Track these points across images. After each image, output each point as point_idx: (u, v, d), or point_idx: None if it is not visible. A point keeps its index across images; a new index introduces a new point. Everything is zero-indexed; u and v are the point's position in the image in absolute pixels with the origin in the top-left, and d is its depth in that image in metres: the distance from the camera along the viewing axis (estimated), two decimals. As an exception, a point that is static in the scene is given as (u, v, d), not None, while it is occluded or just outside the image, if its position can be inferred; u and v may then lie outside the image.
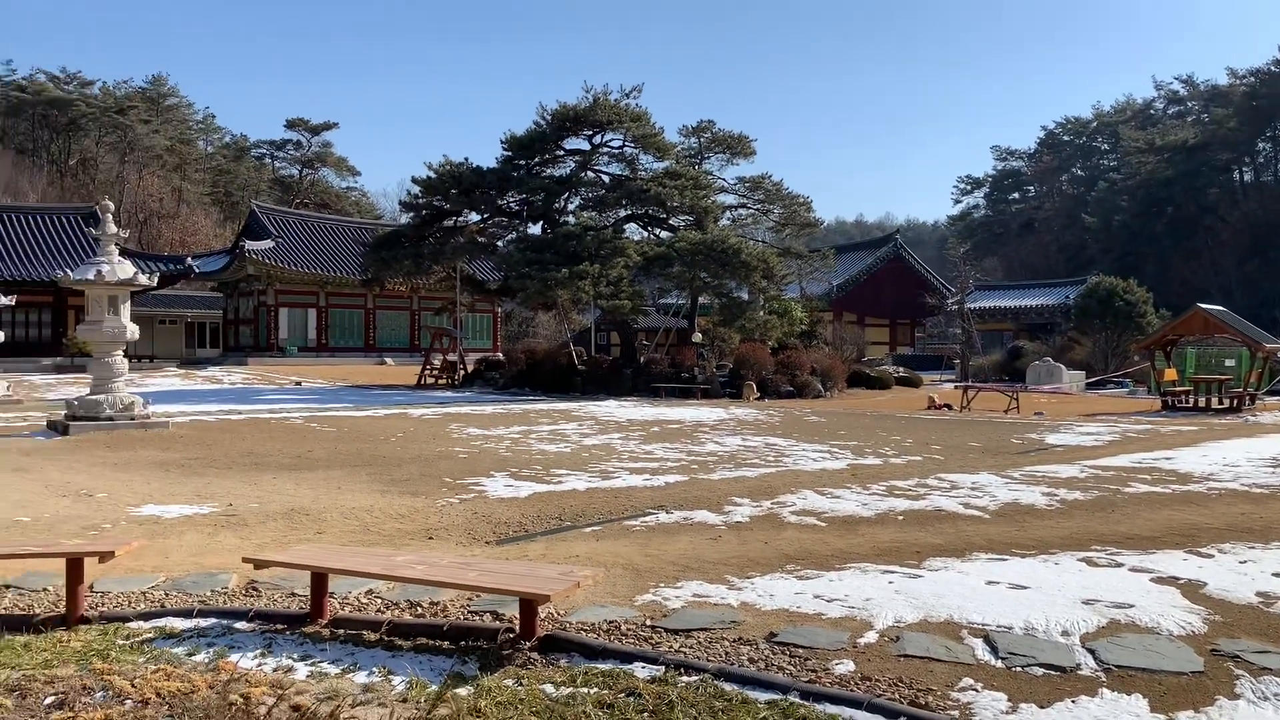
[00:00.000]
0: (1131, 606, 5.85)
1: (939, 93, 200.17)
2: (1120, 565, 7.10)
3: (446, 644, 5.11)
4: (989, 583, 6.49)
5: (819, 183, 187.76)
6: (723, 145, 37.81)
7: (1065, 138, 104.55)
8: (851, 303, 59.64)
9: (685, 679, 4.55)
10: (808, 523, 9.00)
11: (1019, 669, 4.75)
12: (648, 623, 5.55)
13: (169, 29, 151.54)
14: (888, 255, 63.15)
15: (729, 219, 38.22)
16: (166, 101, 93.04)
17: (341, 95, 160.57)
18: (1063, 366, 38.27)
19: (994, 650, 5.01)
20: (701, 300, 35.10)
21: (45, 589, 6.25)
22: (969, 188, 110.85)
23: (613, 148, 34.36)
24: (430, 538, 8.29)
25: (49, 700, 4.16)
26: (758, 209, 39.02)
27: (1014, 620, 5.51)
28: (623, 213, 34.44)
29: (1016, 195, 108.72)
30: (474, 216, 35.35)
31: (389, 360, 51.35)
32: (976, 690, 4.48)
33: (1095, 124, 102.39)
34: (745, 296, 33.78)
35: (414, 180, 34.73)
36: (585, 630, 5.34)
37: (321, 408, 22.98)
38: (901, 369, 43.63)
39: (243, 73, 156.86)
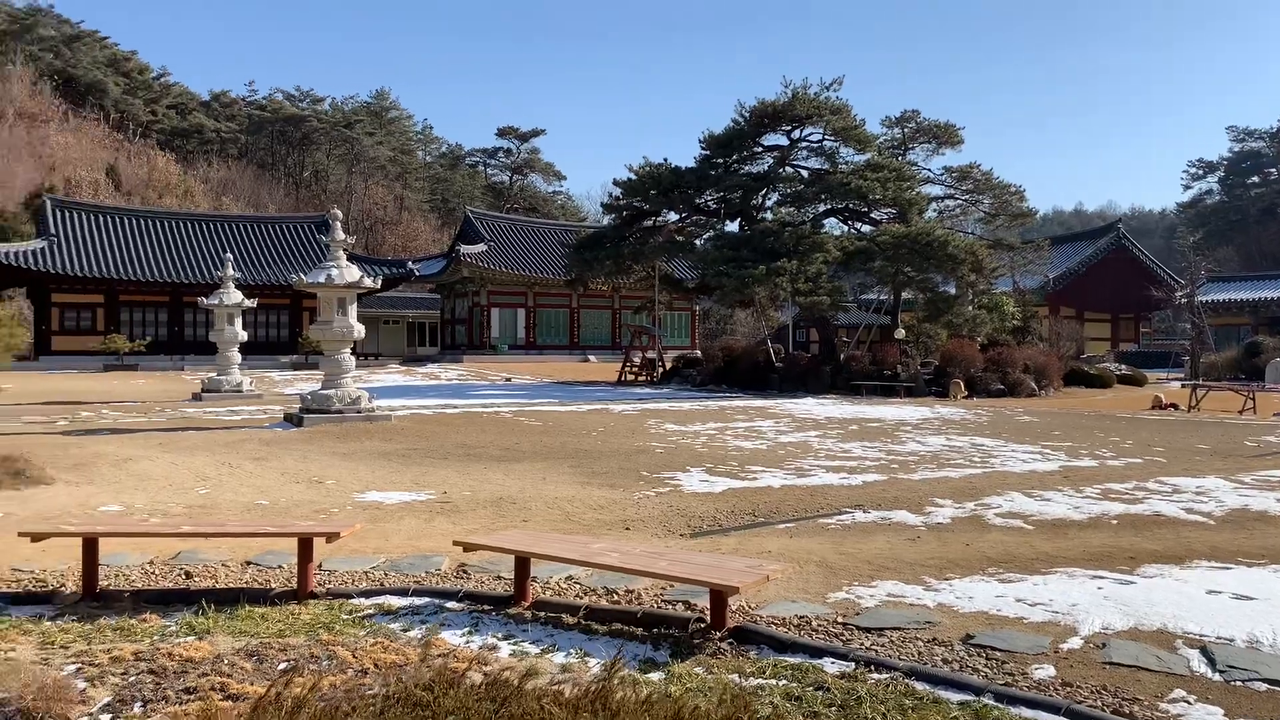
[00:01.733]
0: (1379, 625, 5.34)
1: (1166, 71, 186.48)
2: (1368, 580, 6.48)
3: (640, 630, 5.27)
4: (1210, 592, 6.08)
5: (1033, 171, 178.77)
6: (927, 135, 36.71)
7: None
8: (1069, 296, 56.45)
9: (875, 676, 4.51)
10: (1013, 525, 8.67)
11: (1239, 683, 4.44)
12: (839, 620, 5.53)
13: (391, 46, 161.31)
14: (1109, 246, 59.40)
15: (934, 211, 37.08)
16: (389, 115, 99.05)
17: (548, 102, 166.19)
18: (1311, 364, 34.93)
19: (1211, 662, 4.70)
20: (905, 295, 34.20)
21: (280, 566, 6.85)
22: (1201, 172, 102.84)
23: (812, 142, 34.02)
24: (627, 528, 8.53)
25: (282, 665, 4.58)
26: (965, 200, 37.68)
27: (1235, 632, 5.15)
28: (822, 208, 34.01)
29: (1256, 179, 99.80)
30: (672, 216, 35.83)
31: (591, 357, 52.80)
32: (1188, 703, 4.22)
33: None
34: (952, 291, 32.66)
35: (615, 182, 35.61)
36: (775, 624, 5.38)
37: (529, 403, 23.91)
38: (1124, 366, 40.99)
39: (458, 84, 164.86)
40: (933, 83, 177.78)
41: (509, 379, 36.16)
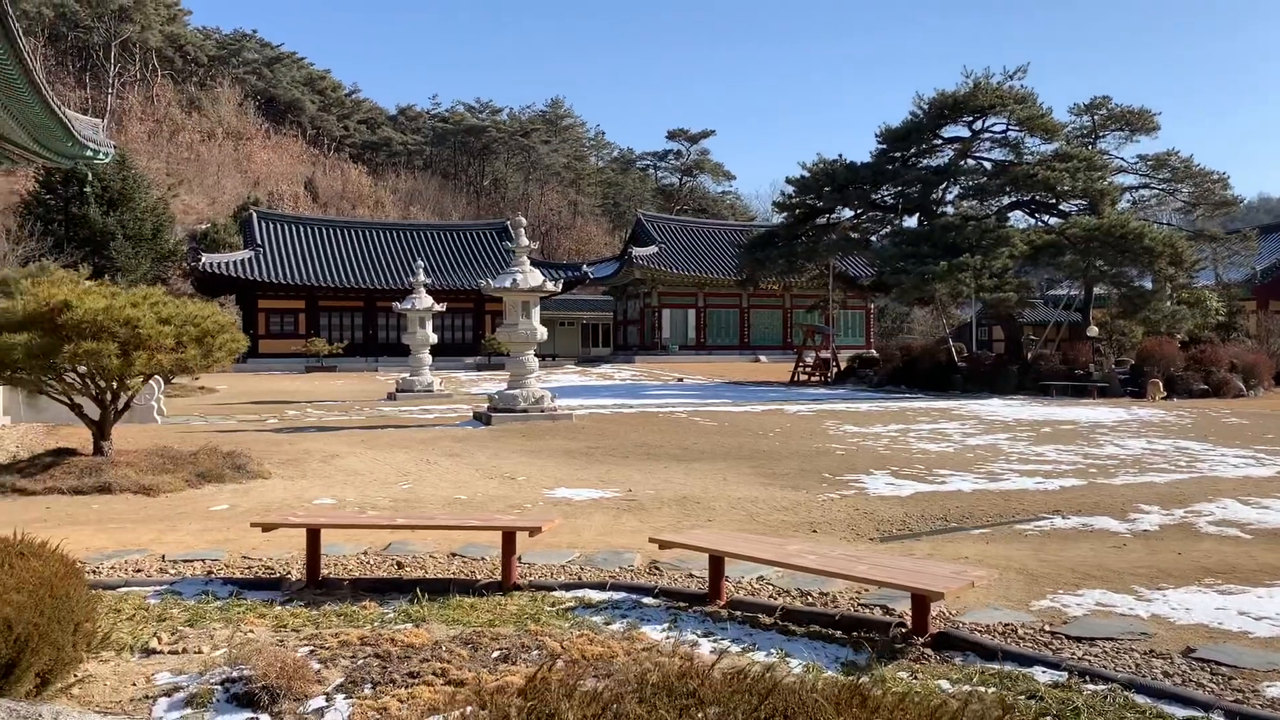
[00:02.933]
0: None
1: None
2: None
3: (838, 633, 5.25)
4: None
5: (1235, 156, 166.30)
6: (1119, 122, 34.74)
7: None
8: (1280, 289, 52.27)
9: (1090, 687, 4.35)
10: (1229, 534, 8.14)
11: None
12: (1046, 628, 5.35)
13: (566, 56, 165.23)
14: (1327, 233, 54.62)
15: (1128, 201, 35.09)
16: (563, 123, 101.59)
17: (717, 103, 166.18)
18: None
19: None
20: (1097, 291, 32.47)
21: (483, 558, 7.16)
22: None
23: (995, 133, 32.80)
24: (814, 531, 8.48)
25: (495, 654, 4.80)
26: (1162, 189, 35.49)
27: None
28: (1006, 200, 32.73)
29: None
30: (847, 213, 35.26)
31: (762, 357, 52.56)
32: None
33: None
34: (1148, 286, 30.79)
35: (788, 180, 35.35)
36: (979, 630, 5.25)
37: (702, 403, 24.04)
38: (1347, 364, 37.58)
39: (629, 90, 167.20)
40: (1121, 66, 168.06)
41: (681, 379, 36.44)
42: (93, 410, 11.53)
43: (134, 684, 4.57)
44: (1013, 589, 6.28)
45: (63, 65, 74.25)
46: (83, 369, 10.82)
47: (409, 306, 27.17)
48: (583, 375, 39.51)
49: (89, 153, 25.51)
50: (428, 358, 27.49)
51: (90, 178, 40.34)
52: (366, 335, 50.45)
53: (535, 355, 19.19)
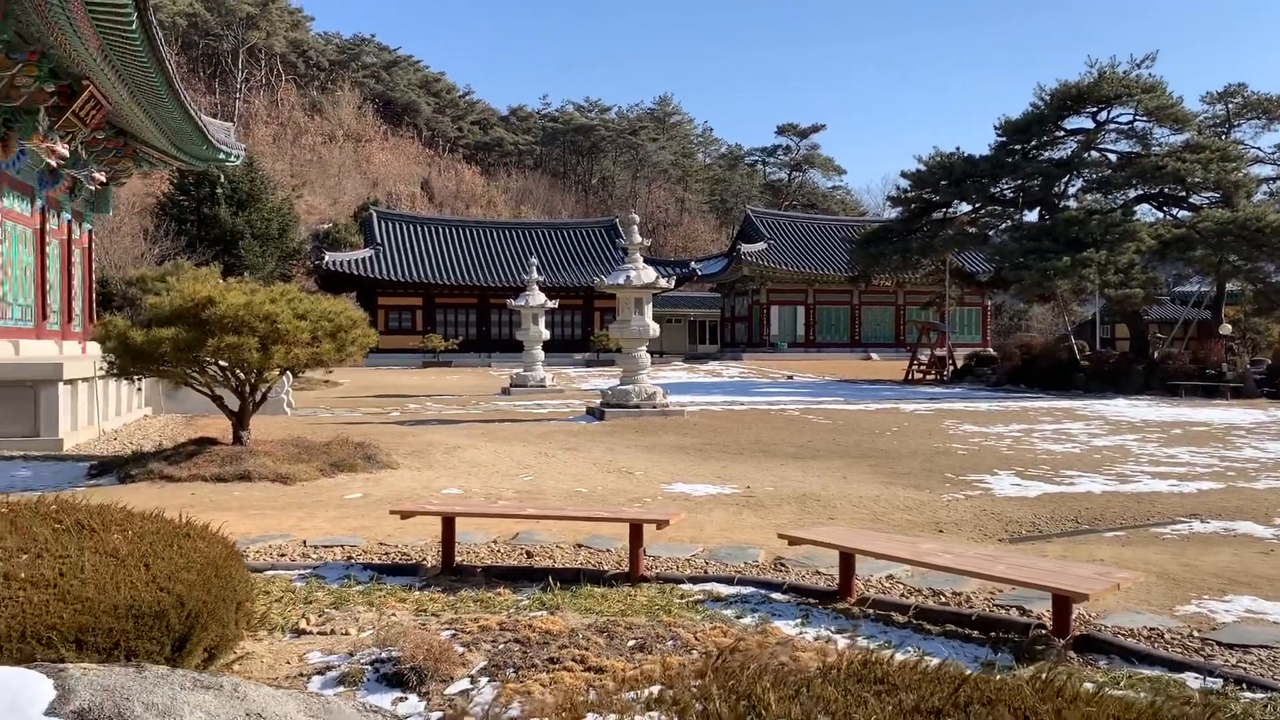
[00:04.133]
0: None
1: None
2: None
3: (975, 633, 5.18)
4: None
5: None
6: (1256, 110, 33.14)
7: None
8: None
9: (1249, 695, 4.19)
10: (1389, 543, 7.71)
11: None
12: (1194, 634, 5.17)
13: (674, 53, 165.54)
14: None
15: (1265, 193, 33.41)
16: (671, 120, 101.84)
17: (827, 97, 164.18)
18: None
19: None
20: (1230, 287, 31.03)
21: (608, 550, 7.27)
22: None
23: (1120, 124, 31.61)
24: (940, 530, 8.35)
25: (630, 643, 4.88)
26: (1304, 180, 33.68)
27: None
28: (1132, 193, 31.53)
29: None
30: (964, 207, 34.47)
31: (874, 355, 51.77)
32: None
33: None
34: (1287, 282, 29.29)
35: (903, 174, 34.78)
36: (1122, 634, 5.11)
37: (814, 401, 23.83)
38: None
39: (737, 86, 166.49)
40: (1259, 52, 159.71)
41: (791, 376, 36.17)
42: (232, 401, 12.08)
43: (288, 662, 4.79)
44: (1154, 593, 6.08)
45: (194, 72, 77.76)
46: (224, 362, 11.35)
47: (523, 303, 27.65)
48: (691, 372, 39.57)
49: (221, 155, 26.69)
50: (540, 353, 27.93)
51: (221, 179, 42.16)
52: (480, 331, 51.50)
53: (647, 352, 19.31)
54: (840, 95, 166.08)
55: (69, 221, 24.77)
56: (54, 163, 20.84)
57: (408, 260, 50.85)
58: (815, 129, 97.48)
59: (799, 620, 5.39)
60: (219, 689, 3.25)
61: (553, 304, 28.55)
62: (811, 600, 5.83)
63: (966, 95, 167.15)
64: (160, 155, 26.21)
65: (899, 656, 4.72)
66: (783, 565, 6.86)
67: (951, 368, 35.25)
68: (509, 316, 44.35)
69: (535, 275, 28.59)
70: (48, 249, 23.03)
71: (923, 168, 33.26)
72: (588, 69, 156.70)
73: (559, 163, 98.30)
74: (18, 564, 3.95)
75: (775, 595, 5.96)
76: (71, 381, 14.04)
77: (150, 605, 3.88)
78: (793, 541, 6.19)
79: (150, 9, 15.64)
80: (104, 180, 25.47)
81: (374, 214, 54.47)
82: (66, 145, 20.51)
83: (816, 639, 5.03)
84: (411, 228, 54.29)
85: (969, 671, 2.41)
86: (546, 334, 28.27)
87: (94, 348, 15.14)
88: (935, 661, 2.75)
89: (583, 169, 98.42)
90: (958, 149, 33.26)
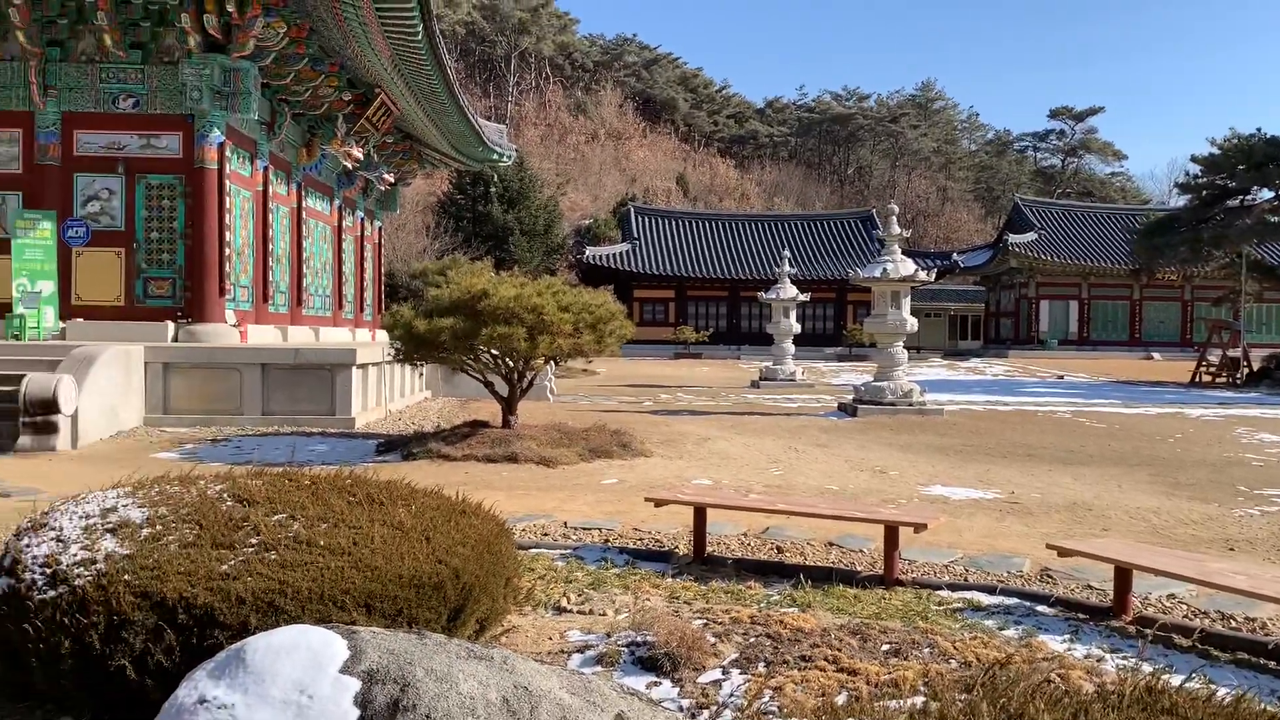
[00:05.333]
0: None
1: None
2: None
3: (1272, 664, 4.69)
4: None
5: None
6: None
7: None
8: None
9: None
10: None
11: None
12: None
13: (937, 36, 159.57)
14: None
15: None
16: (934, 105, 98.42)
17: (1105, 77, 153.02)
18: None
19: None
20: None
21: (860, 550, 7.14)
22: None
23: None
24: (1230, 549, 7.61)
25: (885, 647, 4.77)
26: None
27: None
28: None
29: None
30: (1265, 194, 31.14)
31: (1155, 355, 47.83)
32: None
33: None
34: None
35: (1193, 158, 31.93)
36: None
37: (1086, 403, 22.32)
38: None
39: (1006, 69, 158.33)
40: None
41: (1061, 376, 34.05)
42: (502, 387, 12.83)
43: (549, 638, 5.03)
44: None
45: (471, 77, 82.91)
46: (495, 350, 12.06)
47: (774, 296, 27.58)
48: (950, 369, 38.09)
49: (495, 156, 28.42)
50: (790, 347, 27.77)
51: (494, 179, 44.81)
52: (730, 324, 51.92)
53: (903, 347, 18.76)
54: (1120, 74, 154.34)
55: (362, 219, 27.17)
56: (350, 165, 23.01)
57: (662, 253, 52.01)
58: (1092, 111, 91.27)
59: (1067, 636, 5.08)
60: (489, 660, 3.47)
61: (804, 297, 28.27)
62: (1081, 616, 5.47)
63: (1268, 70, 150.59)
64: (441, 157, 28.24)
65: (1186, 684, 4.35)
66: (1050, 577, 6.48)
67: (1246, 370, 31.94)
68: (759, 309, 44.38)
69: (787, 268, 28.44)
70: (344, 244, 25.37)
71: (1216, 151, 30.36)
72: (846, 57, 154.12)
73: (814, 153, 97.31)
74: (317, 532, 4.37)
75: (1041, 608, 5.64)
76: (363, 366, 15.38)
77: (430, 576, 4.18)
78: (1061, 553, 5.83)
79: (433, 19, 16.87)
80: (392, 181, 27.79)
81: (631, 209, 56.07)
82: (361, 149, 22.56)
83: (1086, 657, 4.72)
84: (666, 222, 55.46)
85: (1268, 708, 2.18)
86: (797, 327, 28.05)
87: (382, 335, 16.54)
88: (1225, 693, 2.51)
89: (839, 159, 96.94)
90: (1259, 130, 30.11)
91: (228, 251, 16.82)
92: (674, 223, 55.49)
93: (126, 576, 3.72)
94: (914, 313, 18.80)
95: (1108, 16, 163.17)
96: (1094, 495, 9.99)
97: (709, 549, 6.93)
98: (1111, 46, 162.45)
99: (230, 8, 15.18)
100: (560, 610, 5.51)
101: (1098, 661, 4.67)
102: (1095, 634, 5.16)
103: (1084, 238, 52.46)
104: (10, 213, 16.04)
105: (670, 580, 6.24)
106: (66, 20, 16.08)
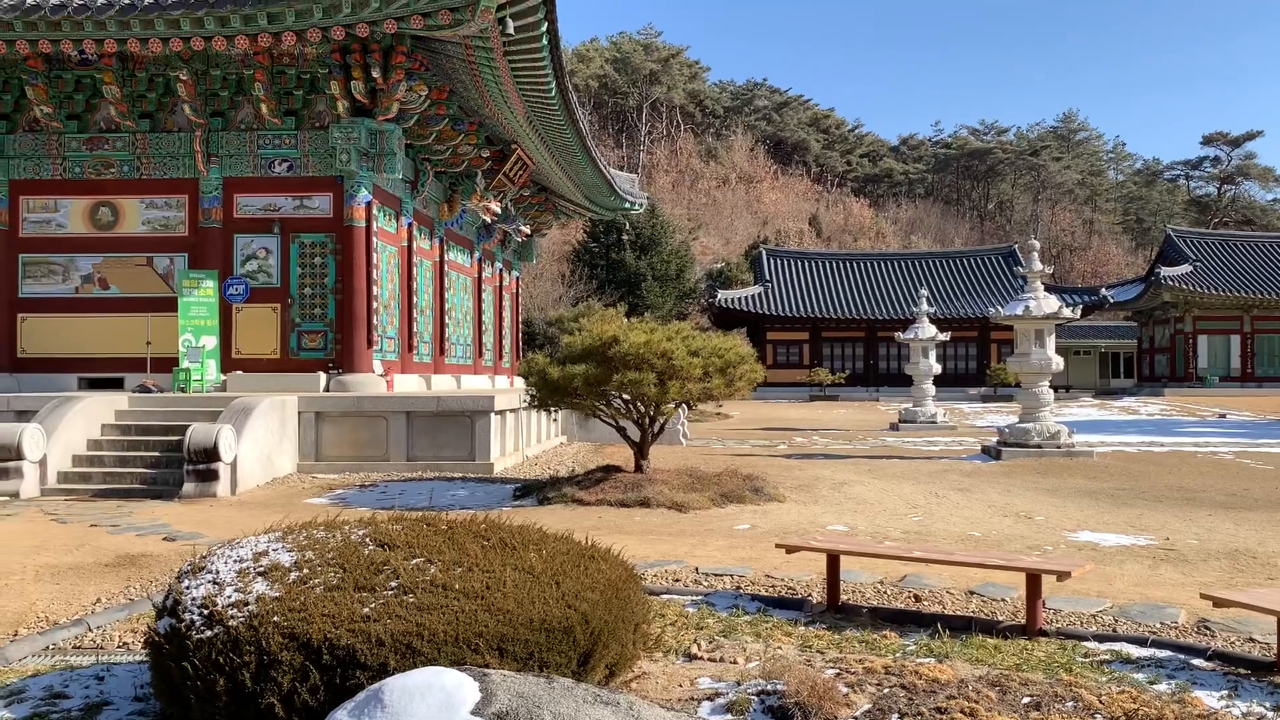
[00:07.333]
0: None
1: None
2: None
3: None
4: None
5: None
6: None
7: None
8: None
9: None
10: None
11: None
12: None
13: (1078, 64, 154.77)
14: None
15: None
16: (1076, 136, 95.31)
17: (1262, 99, 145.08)
18: None
19: None
20: None
21: (1003, 599, 6.89)
22: None
23: None
24: None
25: (1025, 700, 4.60)
26: None
27: None
28: None
29: None
30: None
31: (1332, 391, 44.63)
32: None
33: None
34: None
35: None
36: None
37: (1251, 443, 20.98)
38: None
39: (1152, 93, 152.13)
40: None
41: (1223, 415, 32.13)
42: (633, 432, 12.97)
43: (680, 685, 5.04)
44: None
45: (604, 128, 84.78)
46: (626, 396, 12.22)
47: (912, 336, 27.04)
48: (1102, 409, 36.43)
49: (626, 204, 28.97)
50: (930, 388, 27.11)
51: (626, 226, 45.59)
52: (867, 365, 51.04)
53: (1049, 387, 18.09)
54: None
55: (500, 270, 28.04)
56: (488, 219, 23.85)
57: (795, 295, 51.68)
58: (1250, 136, 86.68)
59: (1225, 692, 4.79)
60: (616, 705, 3.52)
61: (944, 336, 27.62)
62: (1242, 670, 5.15)
63: None
64: (575, 207, 28.97)
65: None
66: (1207, 629, 6.12)
67: None
68: (897, 349, 43.59)
69: (925, 306, 27.86)
70: (483, 295, 26.23)
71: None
72: (983, 91, 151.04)
73: (951, 189, 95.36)
74: (452, 575, 4.52)
75: (1196, 662, 5.33)
76: (501, 412, 15.80)
77: (560, 621, 4.27)
78: (1217, 603, 5.51)
79: (566, 75, 17.42)
80: (529, 232, 28.64)
81: (763, 252, 56.03)
82: (499, 203, 23.36)
83: (1246, 715, 4.44)
84: (799, 263, 55.16)
85: None
86: (937, 368, 27.38)
87: (519, 382, 16.99)
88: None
89: (977, 194, 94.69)
90: None
91: (375, 304, 17.60)
92: (807, 264, 55.14)
93: (276, 618, 3.94)
94: (1061, 350, 18.14)
95: (1261, 29, 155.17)
96: (1258, 541, 9.39)
97: (843, 597, 6.82)
98: (1268, 65, 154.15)
99: (375, 73, 16.03)
100: (690, 657, 5.51)
101: (1259, 719, 4.39)
102: (1257, 690, 4.85)
103: (1245, 268, 49.64)
104: (178, 273, 17.24)
105: (803, 628, 6.17)
106: (227, 92, 17.26)
